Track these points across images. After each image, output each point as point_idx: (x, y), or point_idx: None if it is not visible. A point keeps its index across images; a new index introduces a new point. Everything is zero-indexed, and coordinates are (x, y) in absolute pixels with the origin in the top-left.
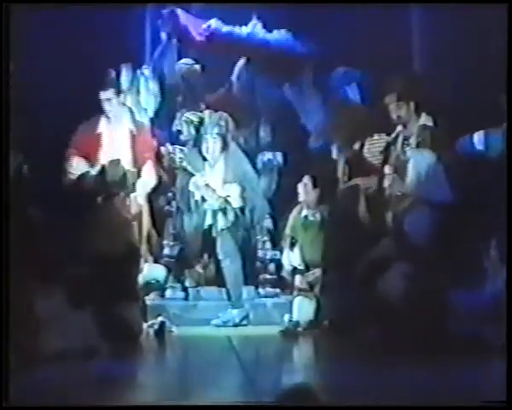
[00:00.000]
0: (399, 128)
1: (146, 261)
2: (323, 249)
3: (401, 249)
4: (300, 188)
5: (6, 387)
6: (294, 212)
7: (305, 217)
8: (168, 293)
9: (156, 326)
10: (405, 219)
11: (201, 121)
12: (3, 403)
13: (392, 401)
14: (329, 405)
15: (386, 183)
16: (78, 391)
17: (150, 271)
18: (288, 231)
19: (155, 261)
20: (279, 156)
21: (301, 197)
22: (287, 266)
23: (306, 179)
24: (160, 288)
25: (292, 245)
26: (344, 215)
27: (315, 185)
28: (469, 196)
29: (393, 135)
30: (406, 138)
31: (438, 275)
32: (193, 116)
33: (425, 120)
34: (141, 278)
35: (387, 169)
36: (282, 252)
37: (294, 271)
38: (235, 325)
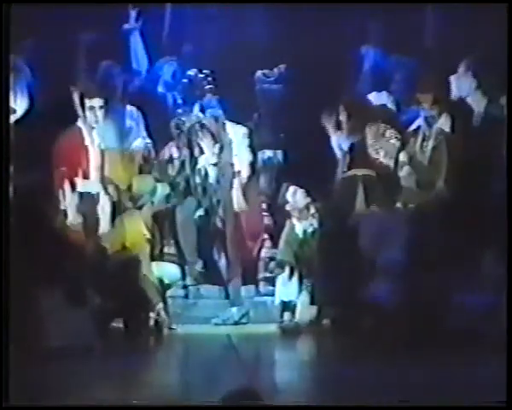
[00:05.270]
0: (420, 122)
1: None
2: (322, 251)
3: (400, 247)
4: (289, 196)
5: (6, 386)
6: (285, 236)
7: (304, 232)
8: (168, 291)
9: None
10: (404, 217)
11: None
12: (3, 403)
13: (391, 400)
14: (328, 404)
15: (401, 172)
16: (77, 390)
17: (159, 270)
18: (282, 256)
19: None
20: (279, 154)
21: (290, 206)
22: (279, 300)
23: (295, 188)
24: (169, 287)
25: (291, 273)
26: (342, 209)
27: (307, 194)
28: (470, 196)
29: (414, 127)
30: (425, 139)
31: (438, 274)
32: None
33: (443, 123)
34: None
35: (402, 156)
36: (274, 284)
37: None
38: (235, 323)
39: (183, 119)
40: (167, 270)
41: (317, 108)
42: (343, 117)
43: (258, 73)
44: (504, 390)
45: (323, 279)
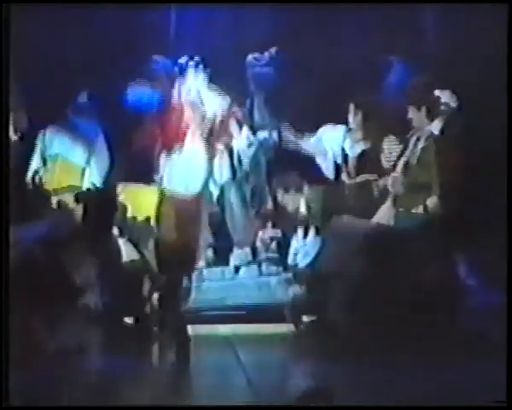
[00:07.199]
0: (414, 129)
1: None
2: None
3: (401, 248)
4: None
5: (6, 386)
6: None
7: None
8: None
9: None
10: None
11: None
12: (3, 403)
13: (392, 400)
14: (330, 405)
15: (389, 181)
16: (78, 390)
17: None
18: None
19: None
20: (275, 135)
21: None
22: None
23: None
24: None
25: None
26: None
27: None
28: (469, 198)
29: (408, 135)
30: (418, 139)
31: (438, 275)
32: None
33: (434, 126)
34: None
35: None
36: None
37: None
38: (249, 263)
39: None
40: None
41: (315, 99)
42: (357, 120)
43: (250, 57)
44: (504, 390)
45: (325, 281)
